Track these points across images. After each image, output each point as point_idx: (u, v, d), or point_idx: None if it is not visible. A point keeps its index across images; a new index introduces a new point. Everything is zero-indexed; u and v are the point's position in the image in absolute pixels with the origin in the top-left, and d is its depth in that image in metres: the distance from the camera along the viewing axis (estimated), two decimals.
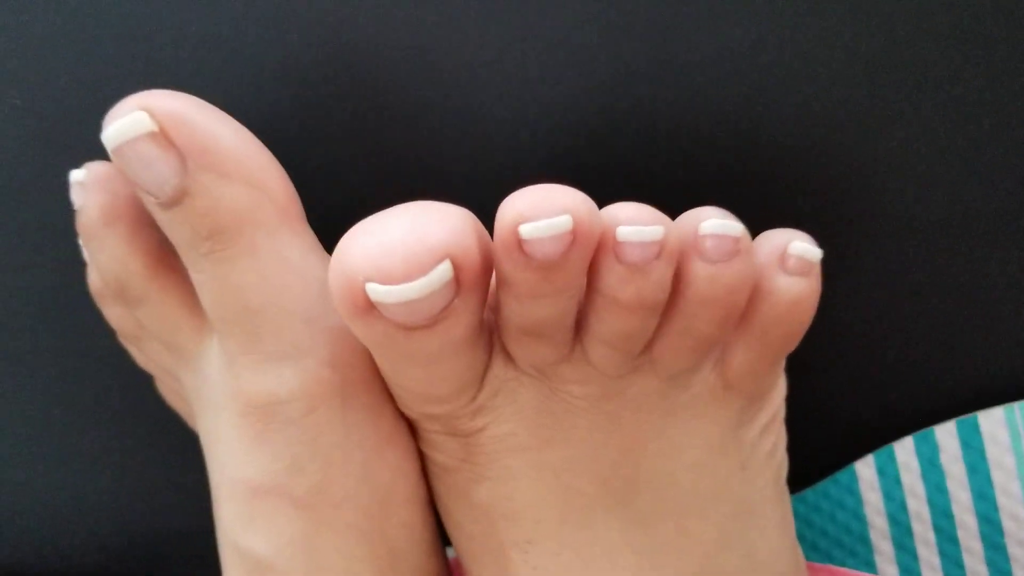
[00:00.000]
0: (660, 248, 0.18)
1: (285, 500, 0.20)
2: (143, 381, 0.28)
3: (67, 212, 0.24)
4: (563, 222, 0.17)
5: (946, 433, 0.26)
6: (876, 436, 0.27)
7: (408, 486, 0.22)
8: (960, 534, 0.26)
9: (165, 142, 0.18)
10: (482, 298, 0.18)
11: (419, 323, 0.17)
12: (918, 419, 0.27)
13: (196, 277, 0.20)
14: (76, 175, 0.21)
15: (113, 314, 0.24)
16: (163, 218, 0.19)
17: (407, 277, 0.16)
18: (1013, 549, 0.26)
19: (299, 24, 0.23)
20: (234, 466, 0.21)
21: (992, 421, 0.26)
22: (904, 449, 0.26)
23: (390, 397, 0.21)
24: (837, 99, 0.23)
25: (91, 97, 0.24)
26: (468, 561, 0.23)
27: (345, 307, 0.17)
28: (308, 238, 0.21)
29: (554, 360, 0.20)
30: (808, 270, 0.20)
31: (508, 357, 0.20)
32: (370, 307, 0.17)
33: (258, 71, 0.24)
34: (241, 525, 0.21)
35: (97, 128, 0.19)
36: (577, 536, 0.21)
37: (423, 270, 0.16)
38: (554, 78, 0.24)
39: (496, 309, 0.20)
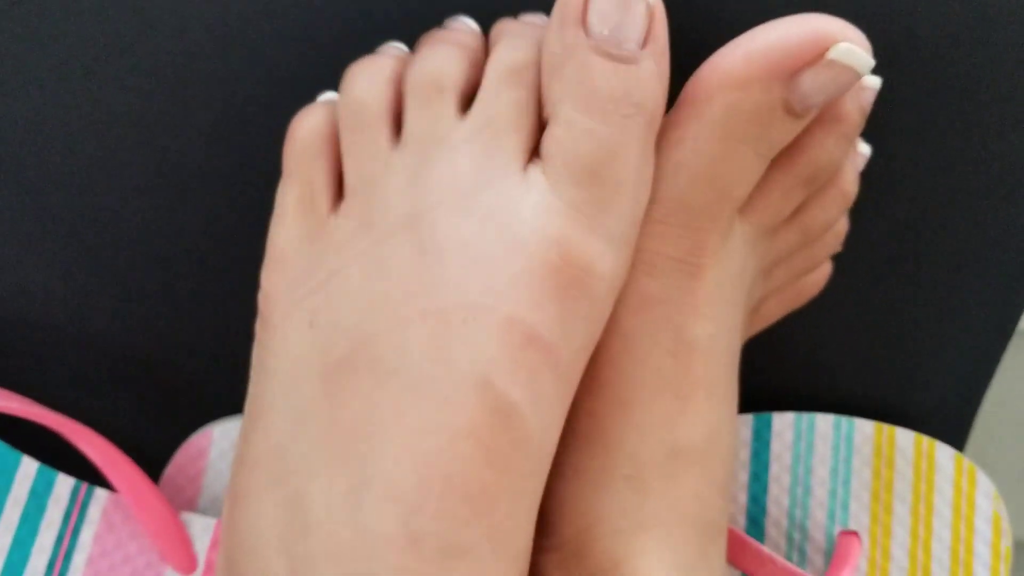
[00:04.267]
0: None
1: (552, 362, 0.21)
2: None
3: None
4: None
5: (742, 422, 0.30)
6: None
7: None
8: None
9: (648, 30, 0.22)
10: None
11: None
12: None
13: (576, 121, 0.21)
14: None
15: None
16: (590, 67, 0.21)
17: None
18: (769, 529, 0.30)
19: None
20: (515, 301, 0.20)
21: (783, 421, 0.30)
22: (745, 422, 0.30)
23: None
24: None
25: None
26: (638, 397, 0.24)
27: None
28: None
29: None
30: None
31: None
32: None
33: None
34: (504, 367, 0.20)
35: None
36: None
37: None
38: None
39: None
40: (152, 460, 0.30)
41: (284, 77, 0.27)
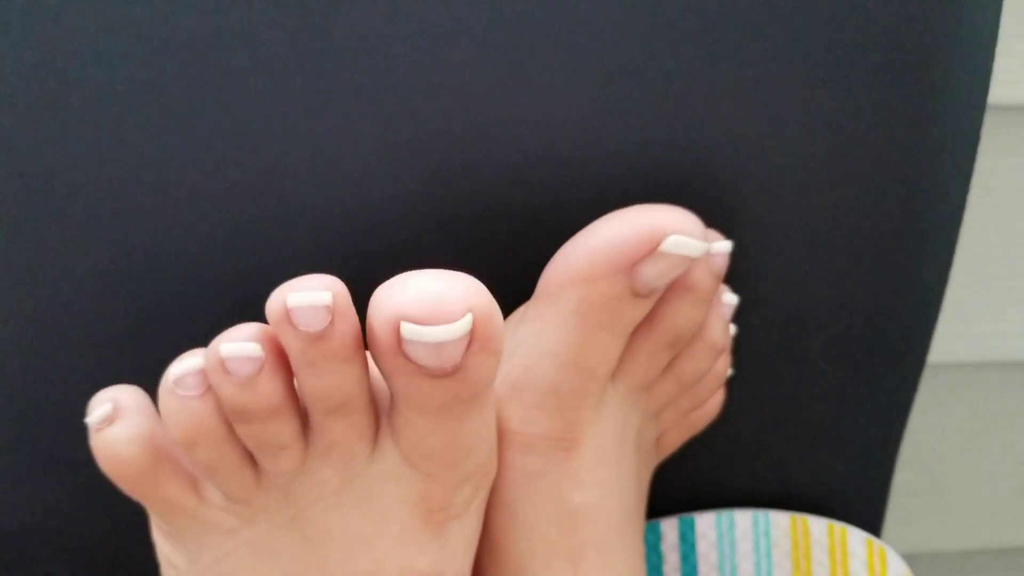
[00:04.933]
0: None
1: None
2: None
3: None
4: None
5: (668, 525, 0.32)
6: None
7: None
8: None
9: (471, 336, 0.20)
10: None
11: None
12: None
13: (415, 421, 0.22)
14: (322, 298, 0.21)
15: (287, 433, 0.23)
16: (416, 384, 0.21)
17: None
18: None
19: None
20: (403, 554, 0.23)
21: (706, 522, 0.32)
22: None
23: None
24: None
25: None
26: (532, 564, 0.26)
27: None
28: None
29: None
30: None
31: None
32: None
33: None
34: None
35: None
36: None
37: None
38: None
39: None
40: None
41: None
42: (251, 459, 0.23)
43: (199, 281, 0.28)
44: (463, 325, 0.20)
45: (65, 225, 0.27)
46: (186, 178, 0.27)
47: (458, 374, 0.20)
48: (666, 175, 0.28)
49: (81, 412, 0.30)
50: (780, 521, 0.32)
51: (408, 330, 0.19)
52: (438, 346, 0.20)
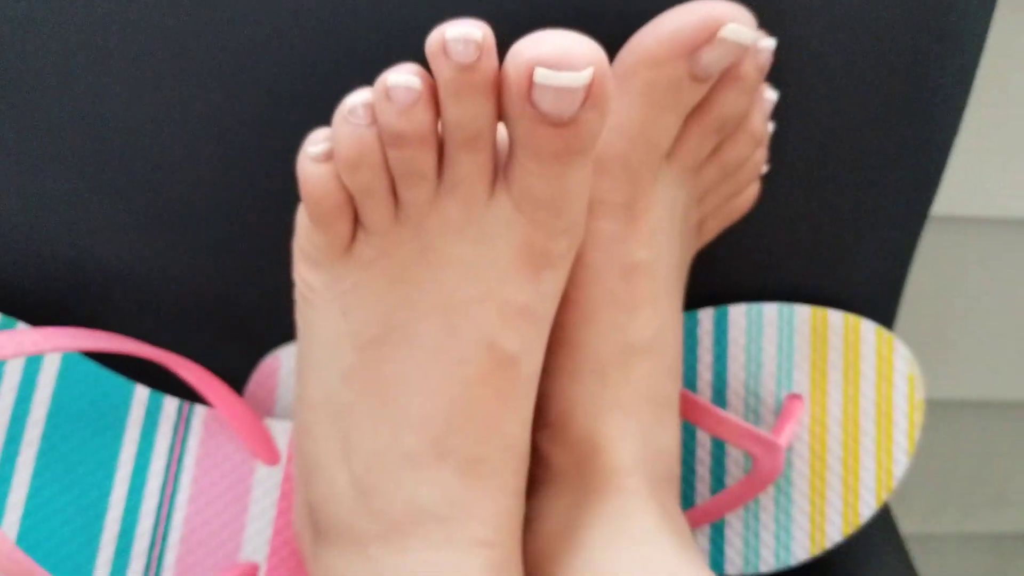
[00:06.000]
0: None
1: (534, 319, 0.29)
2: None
3: None
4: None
5: (705, 315, 0.38)
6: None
7: None
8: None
9: (588, 91, 0.24)
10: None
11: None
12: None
13: (529, 167, 0.26)
14: (474, 34, 0.24)
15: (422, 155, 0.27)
16: (536, 131, 0.25)
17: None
18: (730, 397, 0.37)
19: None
20: (506, 288, 0.28)
21: (737, 312, 0.38)
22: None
23: None
24: None
25: None
26: (599, 311, 0.31)
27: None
28: None
29: None
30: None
31: None
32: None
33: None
34: (503, 332, 0.28)
35: None
36: None
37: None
38: None
39: None
40: (231, 381, 0.37)
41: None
42: (394, 195, 0.28)
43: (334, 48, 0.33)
44: (586, 75, 0.23)
45: None
46: None
47: (572, 125, 0.24)
48: None
49: (182, 167, 0.35)
50: (803, 312, 0.37)
51: (540, 74, 0.23)
52: (561, 92, 0.23)
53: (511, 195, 0.27)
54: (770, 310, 0.37)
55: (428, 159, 0.27)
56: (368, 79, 0.33)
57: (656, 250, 0.31)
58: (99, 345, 0.33)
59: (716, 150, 0.32)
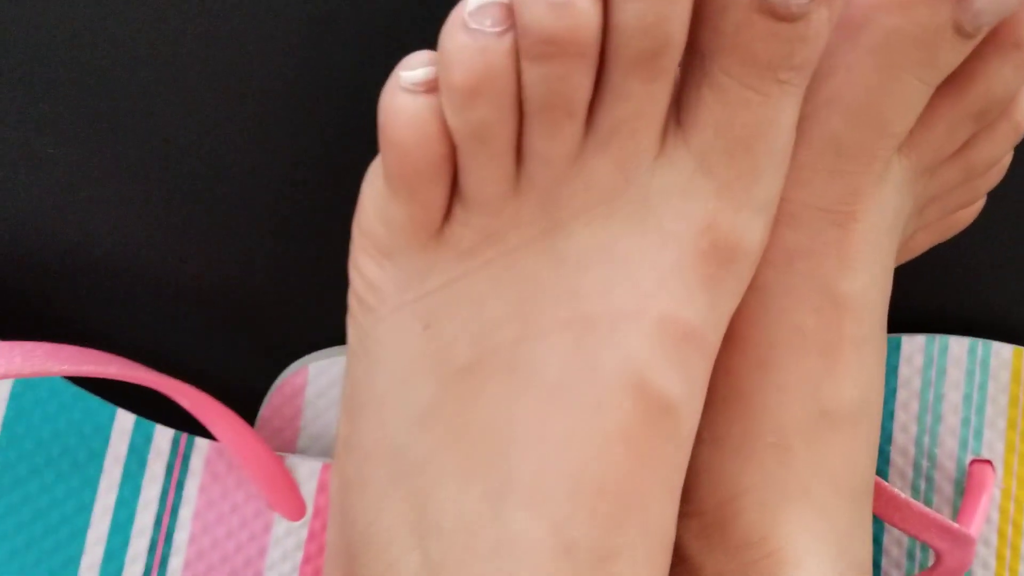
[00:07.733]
0: None
1: (703, 347, 0.20)
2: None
3: None
4: None
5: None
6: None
7: None
8: None
9: None
10: None
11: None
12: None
13: (726, 91, 0.19)
14: None
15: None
16: (751, 25, 0.18)
17: None
18: (895, 457, 0.29)
19: None
20: (669, 297, 0.19)
21: (913, 345, 0.28)
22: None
23: None
24: None
25: None
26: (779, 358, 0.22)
27: None
28: None
29: None
30: None
31: None
32: None
33: None
34: (660, 365, 0.20)
35: None
36: None
37: None
38: None
39: None
40: (243, 399, 0.29)
41: None
42: (518, 152, 0.19)
43: None
44: None
45: None
46: None
47: (803, 21, 0.18)
48: None
49: (200, 144, 0.26)
50: (1002, 352, 0.28)
51: None
52: None
53: (691, 147, 0.19)
54: (958, 346, 0.28)
55: (584, 83, 0.18)
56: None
57: (867, 277, 0.22)
58: (63, 367, 0.24)
59: (966, 144, 0.23)
